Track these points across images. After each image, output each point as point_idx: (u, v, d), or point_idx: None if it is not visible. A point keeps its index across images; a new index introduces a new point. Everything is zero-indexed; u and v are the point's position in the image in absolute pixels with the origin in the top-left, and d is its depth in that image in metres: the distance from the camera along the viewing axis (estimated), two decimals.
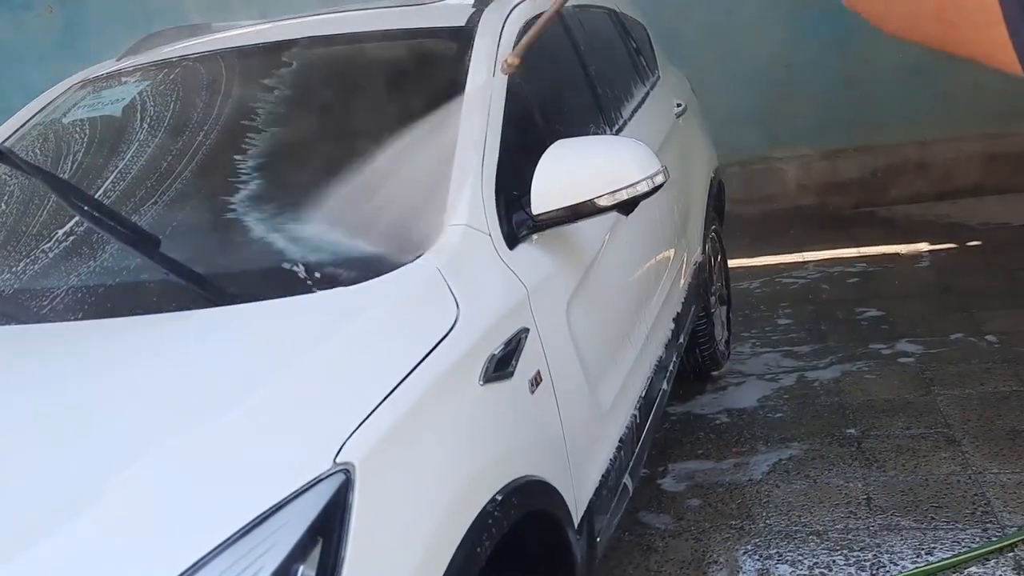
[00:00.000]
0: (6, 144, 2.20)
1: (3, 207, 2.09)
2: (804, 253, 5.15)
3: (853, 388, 3.48)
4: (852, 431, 3.16)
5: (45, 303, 1.70)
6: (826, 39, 5.74)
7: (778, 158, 6.13)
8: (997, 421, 3.07)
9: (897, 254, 4.95)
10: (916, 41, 0.78)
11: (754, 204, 5.95)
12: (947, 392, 3.32)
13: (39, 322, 1.66)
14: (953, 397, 3.28)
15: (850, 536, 2.59)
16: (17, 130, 2.31)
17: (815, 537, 2.61)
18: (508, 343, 1.68)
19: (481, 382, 1.57)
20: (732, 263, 4.50)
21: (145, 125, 2.15)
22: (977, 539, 2.49)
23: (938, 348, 3.68)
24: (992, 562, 2.40)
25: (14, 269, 1.86)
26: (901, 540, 2.54)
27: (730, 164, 5.64)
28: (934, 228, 5.22)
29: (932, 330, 3.85)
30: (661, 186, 1.93)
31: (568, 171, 1.86)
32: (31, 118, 2.34)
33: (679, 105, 3.36)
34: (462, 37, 2.17)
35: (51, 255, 1.85)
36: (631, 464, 2.29)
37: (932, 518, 2.61)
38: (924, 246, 4.97)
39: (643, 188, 1.89)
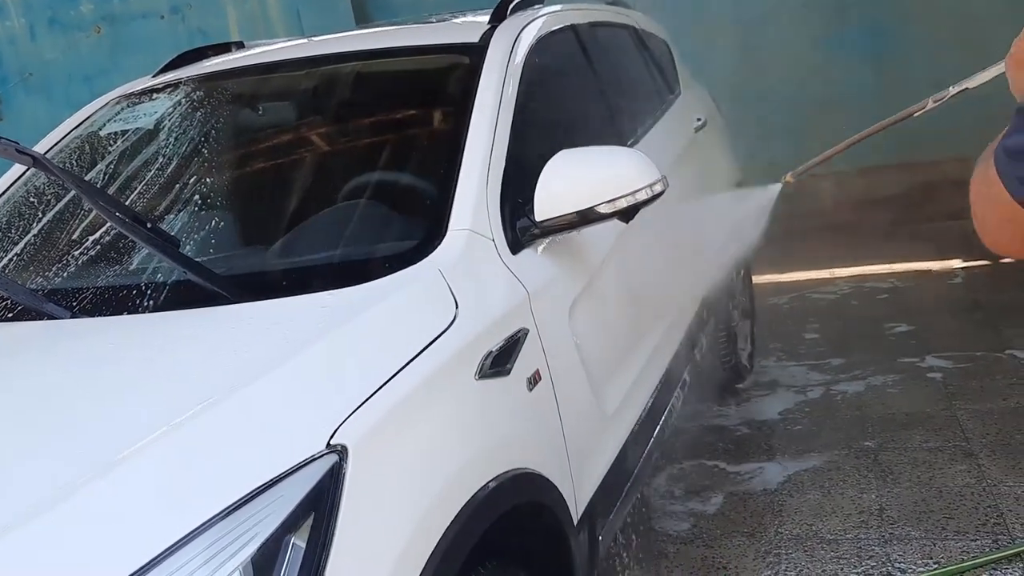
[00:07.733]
0: (47, 155, 2.35)
1: (39, 213, 2.22)
2: (835, 269, 5.14)
3: (875, 402, 3.48)
4: (870, 444, 3.17)
5: (74, 301, 1.81)
6: (862, 56, 5.74)
7: (813, 174, 6.11)
8: (1016, 435, 3.06)
9: (929, 271, 4.92)
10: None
11: (787, 220, 5.92)
12: (968, 406, 3.31)
13: (72, 317, 1.78)
14: (974, 411, 3.27)
15: (860, 546, 2.61)
16: (58, 142, 2.46)
17: (825, 546, 2.63)
18: (506, 342, 1.75)
19: (477, 377, 1.65)
20: (762, 279, 4.53)
21: (173, 137, 2.28)
22: (987, 549, 2.49)
23: (963, 363, 3.67)
24: (1000, 571, 2.41)
25: (47, 271, 1.99)
26: (911, 550, 2.54)
27: (764, 180, 5.66)
28: (969, 245, 5.13)
29: (959, 346, 3.83)
30: (660, 194, 1.99)
31: (570, 179, 1.94)
32: (71, 131, 2.49)
33: (699, 120, 3.41)
34: (475, 52, 2.27)
35: (81, 257, 1.98)
36: (637, 469, 2.34)
37: (943, 529, 2.62)
38: (957, 263, 4.94)
39: (642, 196, 1.96)
